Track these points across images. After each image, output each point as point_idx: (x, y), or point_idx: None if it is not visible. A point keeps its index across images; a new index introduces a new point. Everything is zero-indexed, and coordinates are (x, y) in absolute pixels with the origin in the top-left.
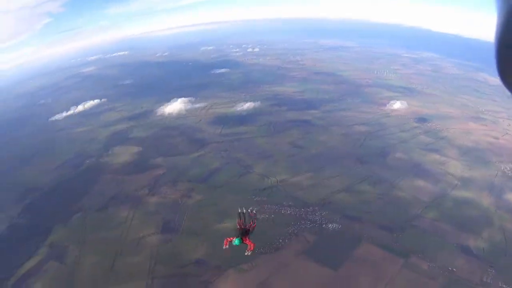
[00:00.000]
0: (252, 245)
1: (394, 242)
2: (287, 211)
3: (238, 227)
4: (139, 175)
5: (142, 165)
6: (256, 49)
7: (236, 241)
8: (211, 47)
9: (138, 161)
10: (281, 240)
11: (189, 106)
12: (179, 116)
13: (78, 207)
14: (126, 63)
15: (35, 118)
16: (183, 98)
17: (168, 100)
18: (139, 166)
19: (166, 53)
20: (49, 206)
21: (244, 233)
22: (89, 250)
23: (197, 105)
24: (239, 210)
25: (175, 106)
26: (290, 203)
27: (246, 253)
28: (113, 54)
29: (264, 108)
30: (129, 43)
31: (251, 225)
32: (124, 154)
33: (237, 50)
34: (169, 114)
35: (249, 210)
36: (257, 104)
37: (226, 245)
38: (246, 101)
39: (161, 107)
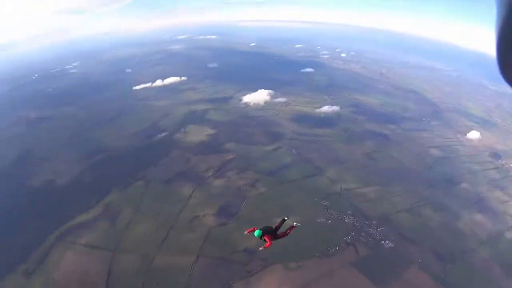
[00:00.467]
0: (269, 244)
1: (444, 273)
2: (347, 220)
3: (273, 227)
4: (209, 156)
5: (213, 147)
6: (343, 55)
7: (256, 232)
8: (300, 45)
9: (210, 142)
10: (334, 247)
11: (269, 99)
12: (258, 107)
13: (142, 176)
14: (213, 47)
15: (120, 84)
16: (264, 90)
17: (249, 89)
18: (210, 148)
19: (253, 44)
20: (114, 169)
21: (272, 232)
22: (142, 219)
23: (278, 100)
24: (285, 218)
25: (256, 97)
26: (351, 213)
27: (260, 248)
28: (202, 37)
29: (343, 114)
30: (218, 28)
31: (283, 233)
32: (197, 134)
33: (325, 52)
34: (248, 103)
35: (293, 223)
36: (337, 108)
37: (248, 232)
38: (327, 104)
39: (242, 95)
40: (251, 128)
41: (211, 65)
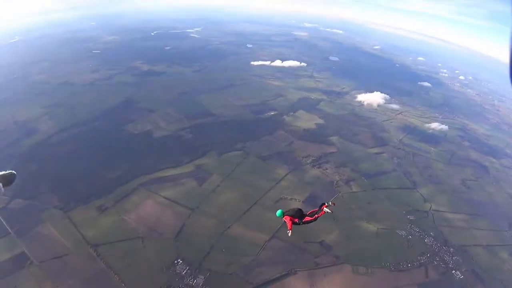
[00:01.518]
0: (289, 226)
1: None
2: (427, 240)
3: (307, 212)
4: (311, 144)
5: (317, 136)
6: (462, 77)
7: (278, 212)
8: (422, 58)
9: (315, 131)
10: (406, 264)
11: (383, 102)
12: (370, 108)
13: (241, 147)
14: (338, 41)
15: (238, 57)
16: (380, 93)
17: (365, 89)
18: (314, 137)
19: (377, 47)
20: (215, 135)
21: (297, 215)
22: (230, 187)
23: (391, 105)
24: (326, 203)
25: (371, 98)
26: (433, 234)
27: (289, 233)
28: (328, 29)
29: (450, 135)
30: (346, 24)
31: (309, 218)
32: (305, 121)
33: (445, 71)
34: (362, 102)
35: (329, 203)
36: (445, 128)
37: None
38: (437, 121)
39: (357, 93)
40: (359, 128)
41: (332, 58)
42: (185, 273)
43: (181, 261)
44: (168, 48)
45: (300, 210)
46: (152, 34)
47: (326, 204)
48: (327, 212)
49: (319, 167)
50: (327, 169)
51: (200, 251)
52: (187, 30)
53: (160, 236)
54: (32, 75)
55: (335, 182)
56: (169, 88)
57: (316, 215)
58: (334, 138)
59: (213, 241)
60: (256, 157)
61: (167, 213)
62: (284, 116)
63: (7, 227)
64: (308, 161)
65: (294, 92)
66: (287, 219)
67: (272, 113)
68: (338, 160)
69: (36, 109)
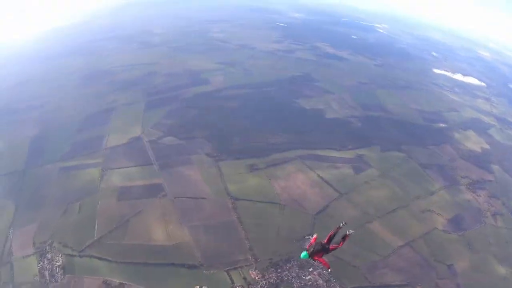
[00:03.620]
0: (326, 264)
1: None
2: None
3: (324, 241)
4: (472, 166)
5: (480, 161)
6: None
7: (303, 255)
8: None
9: (479, 155)
10: None
11: None
12: None
13: (405, 149)
14: None
15: (420, 61)
16: None
17: None
18: (477, 160)
19: None
20: (383, 129)
21: (322, 249)
22: (382, 185)
23: None
24: (342, 224)
25: None
26: None
27: (329, 270)
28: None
29: None
30: None
31: (335, 246)
32: (473, 142)
33: None
34: None
35: (347, 232)
36: None
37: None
38: None
39: None
40: None
41: None
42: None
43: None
44: (355, 37)
45: (320, 243)
46: (342, 20)
47: (348, 233)
48: (350, 233)
49: (473, 192)
50: (480, 195)
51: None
52: (375, 25)
53: (300, 209)
54: (211, 32)
55: (483, 211)
56: (348, 75)
57: (341, 244)
58: (495, 167)
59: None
60: (416, 163)
61: (314, 190)
62: (454, 132)
63: (152, 158)
64: (464, 182)
65: (469, 111)
66: (317, 258)
67: (442, 125)
68: (493, 190)
69: (209, 64)
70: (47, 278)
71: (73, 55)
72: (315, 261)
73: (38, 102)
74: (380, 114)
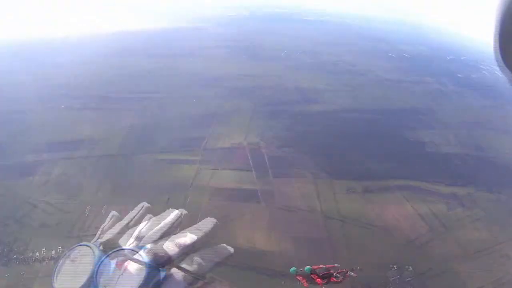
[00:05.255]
0: (306, 284)
1: None
2: None
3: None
4: None
5: None
6: None
7: (292, 269)
8: None
9: None
10: None
11: None
12: None
13: None
14: None
15: None
16: None
17: None
18: None
19: None
20: (494, 176)
21: (324, 276)
22: (482, 223)
23: None
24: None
25: None
26: None
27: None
28: None
29: None
30: None
31: (336, 280)
32: None
33: None
34: None
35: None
36: None
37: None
38: None
39: None
40: None
41: None
42: (392, 280)
43: (396, 268)
44: (460, 76)
45: (327, 268)
46: (448, 58)
47: (353, 269)
48: (351, 274)
49: None
50: None
51: (430, 271)
52: (480, 64)
53: (389, 238)
54: (322, 53)
55: None
56: (459, 111)
57: (341, 280)
58: None
59: (432, 273)
60: None
61: (407, 222)
62: None
63: (251, 165)
64: None
65: None
66: (300, 278)
67: None
68: None
69: (319, 84)
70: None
71: (186, 57)
72: (297, 279)
73: (145, 95)
74: (485, 155)
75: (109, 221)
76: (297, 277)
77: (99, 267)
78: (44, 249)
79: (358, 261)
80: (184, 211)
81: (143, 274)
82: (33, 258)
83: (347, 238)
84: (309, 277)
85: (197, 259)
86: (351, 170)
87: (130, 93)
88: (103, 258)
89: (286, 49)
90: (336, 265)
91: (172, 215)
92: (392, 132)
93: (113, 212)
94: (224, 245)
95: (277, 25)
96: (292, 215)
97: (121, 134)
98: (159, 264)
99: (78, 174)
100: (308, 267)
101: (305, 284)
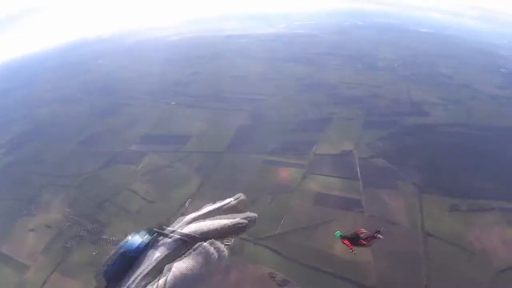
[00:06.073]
0: (352, 247)
1: None
2: None
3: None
4: None
5: None
6: None
7: (337, 234)
8: None
9: None
10: None
11: None
12: None
13: None
14: None
15: None
16: None
17: None
18: None
19: None
20: None
21: (353, 238)
22: None
23: None
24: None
25: None
26: None
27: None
28: None
29: None
30: None
31: (365, 242)
32: None
33: None
34: None
35: (378, 235)
36: None
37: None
38: None
39: None
40: None
41: None
42: None
43: None
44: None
45: (357, 234)
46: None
47: (380, 231)
48: (379, 237)
49: None
50: None
51: None
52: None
53: (487, 262)
54: (437, 66)
55: None
56: None
57: (370, 242)
58: None
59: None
60: None
61: (507, 247)
62: None
63: (358, 174)
64: None
65: None
66: (346, 241)
67: None
68: None
69: (432, 97)
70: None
71: (294, 62)
72: (343, 243)
73: (257, 97)
74: None
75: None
76: (343, 241)
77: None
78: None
79: (448, 286)
80: (243, 196)
81: (172, 245)
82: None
83: (444, 259)
84: (355, 239)
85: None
86: (457, 187)
87: (241, 94)
88: (144, 239)
89: (400, 60)
90: (362, 230)
91: (225, 201)
92: (502, 151)
93: (208, 204)
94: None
95: (389, 35)
96: (392, 228)
97: (231, 133)
98: (191, 238)
99: (183, 168)
100: (338, 232)
101: (351, 247)
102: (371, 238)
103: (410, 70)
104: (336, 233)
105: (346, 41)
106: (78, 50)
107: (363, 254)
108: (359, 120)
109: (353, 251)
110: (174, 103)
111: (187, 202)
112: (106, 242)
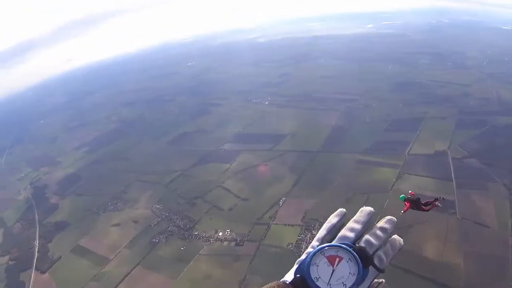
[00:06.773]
0: (406, 208)
1: None
2: None
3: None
4: None
5: None
6: None
7: (401, 196)
8: None
9: None
10: None
11: None
12: None
13: None
14: None
15: None
16: None
17: None
18: None
19: None
20: None
21: (416, 202)
22: None
23: None
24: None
25: None
26: None
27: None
28: None
29: None
30: None
31: (424, 208)
32: None
33: None
34: None
35: (437, 203)
36: None
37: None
38: None
39: None
40: None
41: None
42: None
43: None
44: None
45: (419, 199)
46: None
47: (439, 199)
48: (439, 206)
49: None
50: None
51: None
52: None
53: None
54: None
55: None
56: None
57: (429, 207)
58: None
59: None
60: None
61: None
62: None
63: (452, 175)
64: None
65: None
66: (407, 204)
67: None
68: None
69: None
70: (302, 249)
71: (383, 61)
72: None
73: (348, 97)
74: None
75: (335, 218)
76: (406, 202)
77: (311, 258)
78: (228, 231)
79: None
80: (371, 209)
81: (355, 275)
82: (215, 238)
83: None
84: (416, 202)
85: (380, 254)
86: None
87: (332, 94)
88: (315, 250)
89: (487, 58)
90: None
91: (365, 213)
92: None
93: (341, 209)
94: (395, 236)
95: (475, 32)
96: (483, 230)
97: (324, 132)
98: (366, 262)
99: (277, 167)
100: (403, 195)
101: (406, 209)
102: (430, 204)
103: (497, 68)
104: (401, 196)
105: (434, 39)
106: (163, 53)
107: (453, 257)
108: (451, 119)
109: (404, 212)
110: (267, 102)
111: (280, 201)
112: (197, 238)
